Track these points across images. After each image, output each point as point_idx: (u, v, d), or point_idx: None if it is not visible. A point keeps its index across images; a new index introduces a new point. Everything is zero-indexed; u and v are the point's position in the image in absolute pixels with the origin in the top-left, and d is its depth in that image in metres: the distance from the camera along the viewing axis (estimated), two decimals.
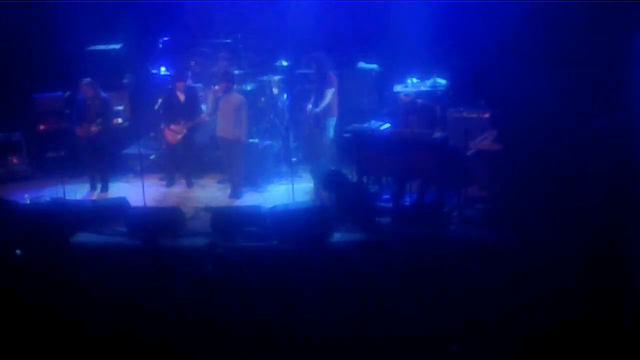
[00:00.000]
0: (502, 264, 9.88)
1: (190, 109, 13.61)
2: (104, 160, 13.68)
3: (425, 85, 14.02)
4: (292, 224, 11.18)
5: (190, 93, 13.76)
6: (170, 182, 13.88)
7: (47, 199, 12.66)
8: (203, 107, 13.90)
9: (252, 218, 11.55)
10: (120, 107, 14.95)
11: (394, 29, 14.02)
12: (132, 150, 14.50)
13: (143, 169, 13.29)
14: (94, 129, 13.38)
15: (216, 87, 13.58)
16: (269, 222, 11.38)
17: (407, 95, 12.45)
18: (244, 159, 13.23)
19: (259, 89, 14.25)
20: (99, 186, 13.68)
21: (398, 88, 14.08)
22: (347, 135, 12.71)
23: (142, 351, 8.98)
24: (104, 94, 13.60)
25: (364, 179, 12.31)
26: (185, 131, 13.58)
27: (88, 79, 13.49)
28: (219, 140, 13.31)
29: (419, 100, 12.46)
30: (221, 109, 13.10)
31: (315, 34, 14.36)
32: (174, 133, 13.62)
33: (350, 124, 12.94)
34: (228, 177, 13.45)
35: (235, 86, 13.35)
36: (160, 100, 13.80)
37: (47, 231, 11.42)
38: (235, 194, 13.16)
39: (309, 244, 10.88)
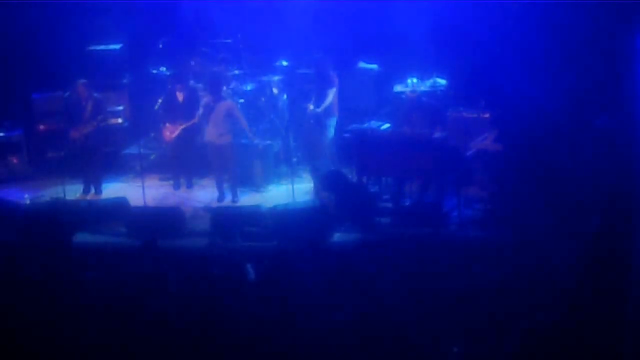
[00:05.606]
0: (502, 264, 9.88)
1: (188, 109, 13.59)
2: (97, 162, 13.66)
3: (425, 85, 14.02)
4: (292, 224, 11.18)
5: (190, 94, 13.74)
6: (177, 185, 13.87)
7: (47, 199, 12.66)
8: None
9: (252, 218, 11.56)
10: (120, 107, 14.95)
11: (393, 29, 14.02)
12: (132, 150, 14.51)
13: (143, 169, 13.30)
14: (87, 130, 13.37)
15: None
16: (269, 222, 11.39)
17: (413, 92, 12.53)
18: (236, 161, 13.22)
19: (259, 89, 14.24)
20: (92, 188, 13.67)
21: (398, 88, 14.09)
22: (347, 135, 12.72)
23: (141, 351, 8.97)
24: (97, 96, 13.59)
25: (364, 179, 12.31)
26: (179, 131, 13.55)
27: (83, 80, 13.48)
28: (208, 145, 13.21)
29: (424, 99, 12.50)
30: (213, 116, 13.01)
31: (315, 34, 14.36)
32: (169, 132, 13.63)
33: (350, 124, 12.95)
34: (217, 182, 13.34)
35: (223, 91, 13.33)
36: (160, 100, 13.82)
37: (47, 231, 11.42)
38: (233, 197, 13.16)
39: (309, 244, 10.88)
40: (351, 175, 12.48)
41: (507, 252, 10.12)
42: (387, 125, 12.56)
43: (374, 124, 12.57)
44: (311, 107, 13.66)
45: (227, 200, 13.18)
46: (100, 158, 13.70)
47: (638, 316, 8.97)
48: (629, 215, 10.02)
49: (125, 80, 15.35)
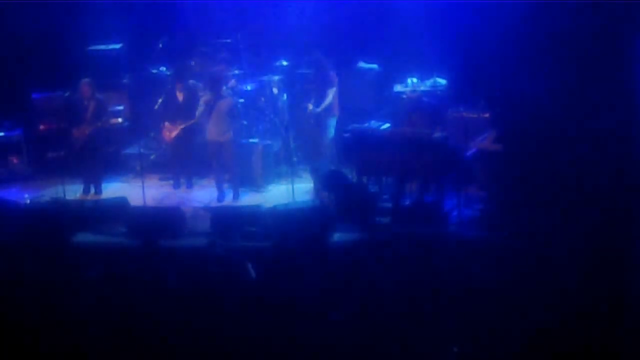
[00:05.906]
0: (502, 264, 9.88)
1: (187, 109, 13.57)
2: (97, 162, 13.64)
3: (425, 85, 14.02)
4: (292, 224, 11.18)
5: (190, 93, 13.73)
6: (177, 185, 13.86)
7: (47, 199, 12.66)
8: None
9: (252, 218, 11.55)
10: (120, 107, 14.95)
11: (394, 29, 14.02)
12: (132, 150, 14.50)
13: (143, 169, 13.30)
14: (89, 130, 13.37)
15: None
16: (269, 222, 11.38)
17: (413, 92, 12.54)
18: (236, 160, 13.20)
19: (259, 89, 14.24)
20: (92, 188, 13.65)
21: (398, 88, 14.09)
22: (347, 135, 12.72)
23: (141, 352, 8.97)
24: (99, 96, 13.59)
25: (364, 179, 12.31)
26: (178, 131, 13.53)
27: (87, 79, 13.50)
28: (209, 143, 13.21)
29: (425, 99, 12.51)
30: (214, 114, 13.02)
31: (315, 34, 14.36)
32: (169, 132, 13.62)
33: (350, 124, 12.95)
34: (217, 181, 13.33)
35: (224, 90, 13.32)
36: (160, 100, 13.83)
37: (47, 231, 11.42)
38: (234, 197, 13.15)
39: (309, 244, 10.88)
40: (351, 175, 12.48)
41: (507, 252, 10.12)
42: (387, 125, 12.55)
43: (374, 124, 12.56)
44: (311, 107, 13.68)
45: (227, 200, 13.18)
46: (100, 158, 13.69)
47: (638, 316, 8.98)
48: (629, 215, 10.03)
49: (125, 80, 15.34)
